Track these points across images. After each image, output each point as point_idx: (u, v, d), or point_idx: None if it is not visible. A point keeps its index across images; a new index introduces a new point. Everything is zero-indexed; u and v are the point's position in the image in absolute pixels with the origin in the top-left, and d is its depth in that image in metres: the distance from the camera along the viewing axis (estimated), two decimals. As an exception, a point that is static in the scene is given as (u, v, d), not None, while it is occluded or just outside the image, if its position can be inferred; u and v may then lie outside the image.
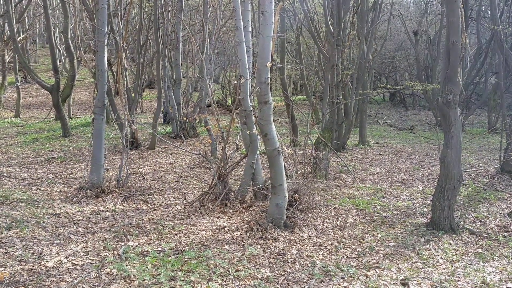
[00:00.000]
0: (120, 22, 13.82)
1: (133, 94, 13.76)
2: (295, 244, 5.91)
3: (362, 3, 12.62)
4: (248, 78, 6.94)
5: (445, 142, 6.57)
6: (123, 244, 5.50)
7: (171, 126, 15.23)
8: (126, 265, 4.81)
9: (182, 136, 14.35)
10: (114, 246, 5.44)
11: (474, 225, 7.01)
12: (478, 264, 5.54)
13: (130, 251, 5.25)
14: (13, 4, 16.11)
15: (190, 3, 19.23)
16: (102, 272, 4.64)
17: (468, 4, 17.20)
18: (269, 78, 6.09)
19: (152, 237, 5.84)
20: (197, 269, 4.85)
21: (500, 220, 7.21)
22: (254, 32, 11.28)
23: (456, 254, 5.81)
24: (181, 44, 14.91)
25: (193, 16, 21.40)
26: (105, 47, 7.90)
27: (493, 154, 12.78)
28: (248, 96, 7.05)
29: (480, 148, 13.98)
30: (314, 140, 10.42)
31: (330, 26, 10.61)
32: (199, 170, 10.43)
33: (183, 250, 5.38)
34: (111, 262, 4.89)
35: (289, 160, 9.25)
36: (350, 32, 15.10)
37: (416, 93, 24.30)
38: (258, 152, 7.51)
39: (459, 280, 5.05)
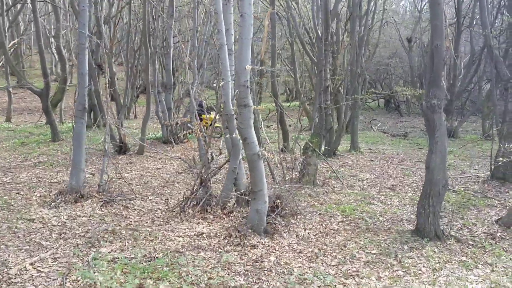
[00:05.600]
0: (114, 27, 13.77)
1: (122, 99, 13.66)
2: (274, 251, 5.74)
3: (354, 10, 12.55)
4: (229, 80, 6.80)
5: (429, 147, 6.43)
6: (94, 250, 5.33)
7: (161, 131, 15.09)
8: (94, 272, 4.64)
9: (173, 141, 14.24)
10: (85, 252, 5.27)
11: (461, 232, 6.84)
12: (461, 272, 5.37)
13: (101, 258, 5.08)
14: (4, 8, 16.06)
15: (182, 9, 19.16)
16: (68, 280, 4.46)
17: (461, 11, 17.17)
18: (248, 81, 5.95)
19: (127, 244, 5.67)
20: (167, 277, 4.67)
21: (487, 227, 7.05)
22: (237, 35, 11.17)
23: (439, 262, 5.64)
24: (172, 49, 14.83)
25: (185, 22, 21.35)
26: (86, 49, 7.77)
27: (485, 161, 12.63)
28: (230, 100, 6.92)
29: (473, 155, 13.85)
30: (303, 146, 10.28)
31: (318, 31, 10.51)
32: (186, 176, 10.27)
33: (156, 257, 5.21)
34: (78, 269, 4.71)
35: (278, 165, 9.11)
36: (343, 39, 15.05)
37: (410, 99, 24.23)
38: (240, 157, 7.36)
39: (439, 289, 4.89)
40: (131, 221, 6.65)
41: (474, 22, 17.55)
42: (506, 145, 8.48)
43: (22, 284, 4.33)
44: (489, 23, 11.71)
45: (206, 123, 13.16)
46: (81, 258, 5.08)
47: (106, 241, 5.69)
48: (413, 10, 27.08)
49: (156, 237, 5.97)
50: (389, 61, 23.79)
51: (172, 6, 13.90)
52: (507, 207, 7.85)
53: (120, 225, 6.40)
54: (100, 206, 7.24)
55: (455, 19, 17.53)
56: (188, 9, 16.50)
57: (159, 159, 12.26)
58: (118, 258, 5.10)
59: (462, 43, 21.02)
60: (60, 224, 6.35)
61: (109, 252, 5.31)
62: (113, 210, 7.21)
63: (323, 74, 10.09)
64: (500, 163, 8.90)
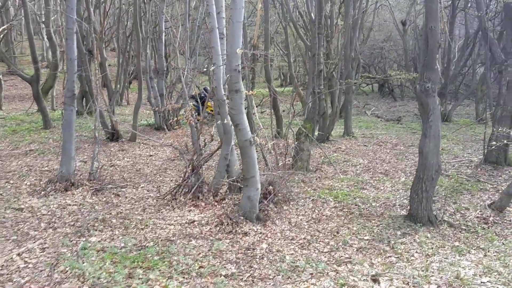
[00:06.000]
0: (104, 12, 13.48)
1: (113, 86, 13.46)
2: (266, 238, 5.70)
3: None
4: (221, 65, 6.67)
5: (423, 131, 6.36)
6: (84, 239, 5.26)
7: (154, 118, 14.93)
8: (83, 262, 4.57)
9: (165, 127, 14.10)
10: (75, 242, 5.20)
11: (454, 217, 6.83)
12: (454, 258, 5.36)
13: (90, 247, 5.01)
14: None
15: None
16: (56, 271, 4.39)
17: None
18: (240, 66, 5.83)
19: (117, 232, 5.60)
20: (157, 266, 4.62)
21: (480, 211, 7.04)
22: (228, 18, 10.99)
23: (432, 248, 5.62)
24: (164, 34, 14.59)
25: (177, 6, 21.02)
26: (75, 34, 7.59)
27: (478, 145, 12.60)
28: (221, 85, 6.80)
29: (466, 139, 13.82)
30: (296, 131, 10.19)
31: (312, 14, 10.34)
32: (179, 162, 10.17)
33: (147, 246, 5.15)
34: (67, 259, 4.64)
35: (272, 151, 9.02)
36: (337, 23, 14.85)
37: (404, 83, 24.11)
38: (232, 143, 7.27)
39: (432, 275, 4.86)
40: (122, 209, 6.57)
41: (469, 5, 17.35)
42: (499, 129, 8.43)
43: (9, 276, 4.26)
44: (484, 5, 11.58)
45: (212, 110, 13.06)
46: (70, 248, 5.01)
47: (96, 230, 5.62)
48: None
49: (147, 225, 5.90)
50: (383, 45, 23.56)
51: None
52: (500, 191, 7.83)
53: (110, 214, 6.33)
54: (91, 194, 7.15)
55: (450, 2, 17.35)
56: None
57: (152, 146, 12.14)
58: (108, 247, 5.04)
59: (457, 26, 20.87)
60: (49, 213, 6.26)
61: (98, 241, 5.24)
62: (104, 198, 7.12)
63: (316, 58, 9.96)
64: (493, 147, 8.84)
